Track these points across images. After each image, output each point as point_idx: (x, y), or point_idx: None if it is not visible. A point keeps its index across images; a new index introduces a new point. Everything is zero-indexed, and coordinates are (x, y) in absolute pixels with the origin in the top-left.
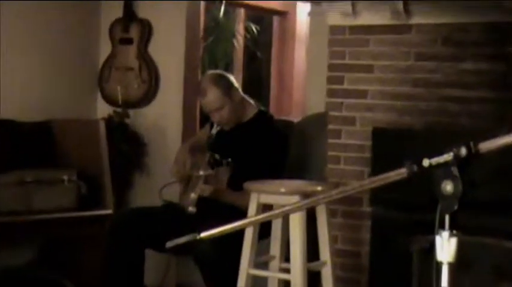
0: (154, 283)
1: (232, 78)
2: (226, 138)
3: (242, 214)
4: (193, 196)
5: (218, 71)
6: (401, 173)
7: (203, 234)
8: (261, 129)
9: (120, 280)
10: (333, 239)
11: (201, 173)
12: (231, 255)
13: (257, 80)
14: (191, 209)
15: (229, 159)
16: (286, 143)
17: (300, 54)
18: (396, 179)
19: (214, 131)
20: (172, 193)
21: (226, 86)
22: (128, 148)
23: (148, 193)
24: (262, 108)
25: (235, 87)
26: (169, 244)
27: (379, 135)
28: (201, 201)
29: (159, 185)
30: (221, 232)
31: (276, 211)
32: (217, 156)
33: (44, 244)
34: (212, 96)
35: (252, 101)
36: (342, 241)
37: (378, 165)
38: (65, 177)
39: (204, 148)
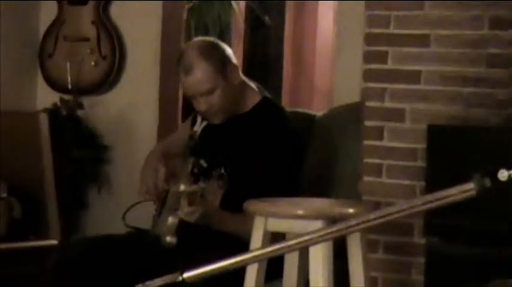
0: None
1: (229, 50)
2: (215, 138)
3: (242, 245)
4: (171, 220)
5: (210, 39)
6: (468, 189)
7: (187, 274)
8: (266, 124)
9: None
10: (372, 283)
11: (182, 188)
12: None
13: (263, 57)
14: (169, 239)
15: (222, 168)
16: (302, 146)
17: (324, 21)
18: (461, 199)
19: (198, 127)
20: (142, 216)
21: (221, 60)
22: (81, 153)
23: (109, 216)
24: (267, 94)
25: (233, 64)
26: None
27: (438, 135)
28: (183, 227)
29: (125, 205)
30: (212, 271)
31: (291, 242)
32: (203, 163)
33: None
34: (200, 74)
35: (253, 85)
36: (384, 285)
37: (436, 178)
38: None
39: (184, 152)
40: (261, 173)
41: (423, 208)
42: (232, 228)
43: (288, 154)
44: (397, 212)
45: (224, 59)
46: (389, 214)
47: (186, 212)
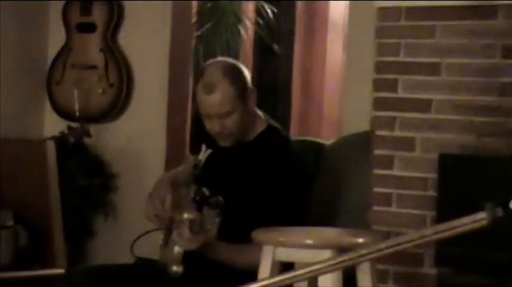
0: None
1: (248, 74)
2: (219, 166)
3: (250, 275)
4: (177, 250)
5: (231, 61)
6: (480, 219)
7: None
8: (271, 153)
9: None
10: None
11: (186, 216)
12: None
13: (272, 85)
14: (176, 268)
15: (219, 197)
16: (307, 175)
17: (334, 49)
18: (473, 229)
19: (202, 156)
20: (149, 246)
21: (242, 84)
22: (88, 181)
23: (115, 245)
24: (273, 122)
25: (252, 89)
26: None
27: (449, 164)
28: (189, 257)
29: (131, 233)
30: None
31: (300, 271)
32: (206, 191)
33: None
34: (222, 95)
35: (260, 113)
36: None
37: (447, 207)
38: None
39: (189, 181)
40: (264, 202)
41: (434, 237)
42: (228, 258)
43: (292, 183)
44: (408, 241)
45: (246, 83)
46: (400, 244)
47: (186, 239)
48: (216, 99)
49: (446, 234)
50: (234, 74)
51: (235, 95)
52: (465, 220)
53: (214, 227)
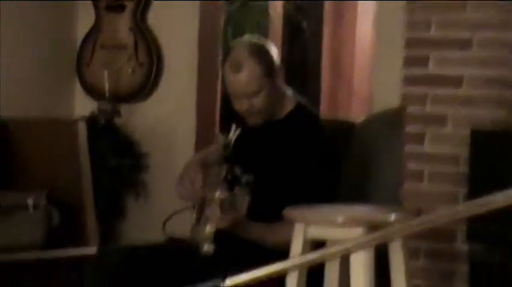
0: None
1: (276, 52)
2: (249, 145)
3: (281, 254)
4: (208, 229)
5: (258, 39)
6: None
7: (230, 280)
8: (300, 131)
9: None
10: None
11: (217, 195)
12: None
13: (302, 63)
14: (207, 247)
15: (250, 175)
16: (336, 153)
17: (363, 26)
18: (507, 205)
19: (232, 135)
20: (180, 225)
21: (270, 63)
22: (119, 160)
23: (147, 224)
24: (302, 101)
25: (280, 68)
26: None
27: (481, 140)
28: (221, 236)
29: (162, 213)
30: (254, 278)
31: (332, 249)
32: (237, 170)
33: None
34: (248, 74)
35: (289, 91)
36: None
37: (479, 184)
38: (30, 202)
39: (220, 160)
40: (294, 180)
41: (468, 213)
42: (259, 237)
43: (323, 161)
44: (442, 218)
45: (273, 62)
46: (433, 220)
47: (217, 218)
48: (243, 78)
49: (480, 210)
50: (261, 53)
51: (262, 74)
52: (499, 196)
53: (245, 205)
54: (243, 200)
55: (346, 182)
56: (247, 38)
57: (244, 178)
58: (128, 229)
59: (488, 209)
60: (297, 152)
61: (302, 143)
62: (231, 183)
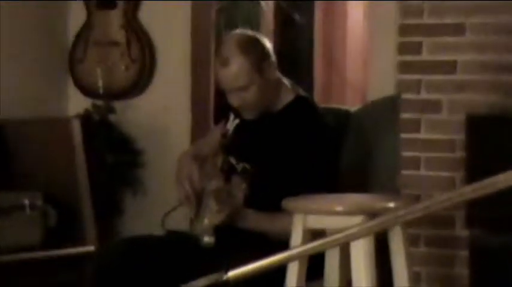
0: None
1: (268, 45)
2: (247, 136)
3: (281, 244)
4: (207, 222)
5: (249, 33)
6: None
7: (232, 273)
8: (300, 122)
9: None
10: (415, 278)
11: (213, 186)
12: None
13: (294, 55)
14: (207, 239)
15: (246, 164)
16: (337, 143)
17: (354, 14)
18: (509, 186)
19: (230, 126)
20: (179, 220)
21: (259, 56)
22: (115, 157)
23: (145, 220)
24: (301, 92)
25: (271, 61)
26: None
27: (476, 125)
28: (221, 227)
29: (160, 208)
30: (256, 269)
31: (333, 237)
32: (233, 160)
33: None
34: (236, 69)
35: (287, 83)
36: (427, 279)
37: (476, 168)
38: (26, 202)
39: (216, 152)
40: (293, 171)
41: (471, 195)
42: (259, 227)
43: (322, 152)
44: (445, 200)
45: (262, 55)
46: (436, 203)
47: (214, 212)
48: (231, 73)
49: (483, 192)
50: (249, 46)
51: (251, 68)
52: (501, 177)
53: (241, 193)
54: (240, 188)
55: (344, 170)
56: (237, 31)
57: (241, 166)
58: (126, 226)
59: (492, 191)
60: (296, 142)
61: (301, 133)
62: (228, 173)
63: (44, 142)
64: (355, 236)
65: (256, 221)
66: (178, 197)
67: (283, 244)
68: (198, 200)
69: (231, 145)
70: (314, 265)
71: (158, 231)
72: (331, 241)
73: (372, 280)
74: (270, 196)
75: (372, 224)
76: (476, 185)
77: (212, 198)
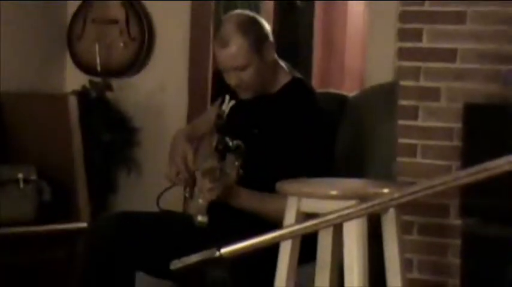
0: None
1: (267, 26)
2: (242, 116)
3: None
4: (201, 201)
5: (249, 13)
6: None
7: (225, 250)
8: (295, 104)
9: None
10: (407, 265)
11: (207, 165)
12: (260, 285)
13: (293, 39)
14: (201, 218)
15: (239, 141)
16: (332, 126)
17: (356, 1)
18: (507, 171)
19: (226, 106)
20: (173, 201)
21: (258, 37)
22: (111, 135)
23: (139, 199)
24: (297, 74)
25: (270, 42)
26: (175, 265)
27: (474, 114)
28: (215, 207)
29: (155, 188)
30: (248, 246)
31: (326, 217)
32: (228, 140)
33: None
34: (235, 49)
35: (284, 65)
36: (419, 267)
37: (472, 157)
38: (20, 176)
39: (211, 132)
40: (288, 153)
41: (467, 180)
42: (252, 206)
43: (317, 135)
44: (441, 184)
45: (261, 36)
46: (431, 187)
47: (207, 190)
48: (230, 53)
49: (480, 176)
50: (248, 26)
51: (250, 48)
52: (500, 161)
53: (234, 170)
54: (233, 166)
55: (340, 154)
56: (237, 11)
57: (234, 143)
58: (120, 204)
59: (489, 175)
60: (292, 124)
61: (297, 115)
62: (222, 153)
63: (41, 117)
64: (349, 217)
65: (249, 200)
66: (169, 176)
67: (276, 226)
68: (192, 180)
69: (226, 125)
70: (306, 249)
71: (151, 209)
72: (324, 221)
73: (364, 262)
74: (264, 177)
75: (366, 206)
76: (471, 169)
77: (206, 177)
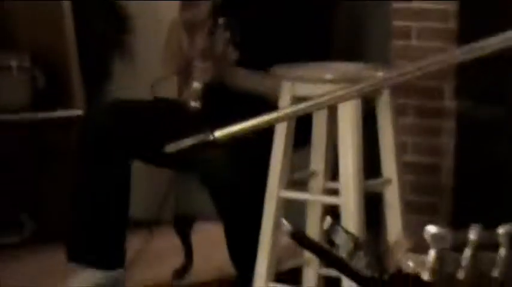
0: (143, 215)
1: None
2: None
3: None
4: (196, 85)
5: None
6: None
7: (218, 133)
8: None
9: (95, 209)
10: (401, 148)
11: (199, 46)
12: (255, 171)
13: None
14: (194, 103)
15: (226, 17)
16: (329, 7)
17: None
18: (502, 48)
19: None
20: (168, 88)
21: None
22: (104, 22)
23: (133, 86)
24: None
25: None
26: (170, 148)
27: None
28: (208, 92)
29: (149, 75)
30: (242, 129)
31: (321, 99)
32: (220, 20)
33: None
34: None
35: None
36: (413, 149)
37: (468, 39)
38: (13, 63)
39: (207, 17)
40: (284, 35)
41: (465, 57)
42: (248, 83)
43: (313, 17)
44: (437, 62)
45: None
46: (427, 66)
47: (200, 69)
48: None
49: (478, 53)
50: None
51: None
52: (495, 39)
53: (225, 45)
54: (223, 40)
55: (336, 37)
56: None
57: (221, 20)
58: (114, 91)
59: (484, 53)
60: (287, 4)
61: None
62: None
63: (33, 3)
64: (344, 98)
65: (244, 78)
66: (166, 65)
67: (271, 108)
68: (187, 68)
69: (222, 7)
70: (301, 133)
71: (145, 96)
72: (319, 103)
73: (358, 142)
74: (260, 60)
75: (361, 86)
76: (471, 46)
77: (198, 58)
